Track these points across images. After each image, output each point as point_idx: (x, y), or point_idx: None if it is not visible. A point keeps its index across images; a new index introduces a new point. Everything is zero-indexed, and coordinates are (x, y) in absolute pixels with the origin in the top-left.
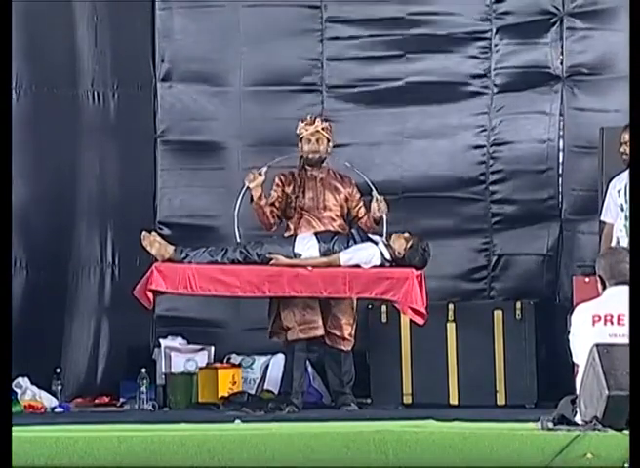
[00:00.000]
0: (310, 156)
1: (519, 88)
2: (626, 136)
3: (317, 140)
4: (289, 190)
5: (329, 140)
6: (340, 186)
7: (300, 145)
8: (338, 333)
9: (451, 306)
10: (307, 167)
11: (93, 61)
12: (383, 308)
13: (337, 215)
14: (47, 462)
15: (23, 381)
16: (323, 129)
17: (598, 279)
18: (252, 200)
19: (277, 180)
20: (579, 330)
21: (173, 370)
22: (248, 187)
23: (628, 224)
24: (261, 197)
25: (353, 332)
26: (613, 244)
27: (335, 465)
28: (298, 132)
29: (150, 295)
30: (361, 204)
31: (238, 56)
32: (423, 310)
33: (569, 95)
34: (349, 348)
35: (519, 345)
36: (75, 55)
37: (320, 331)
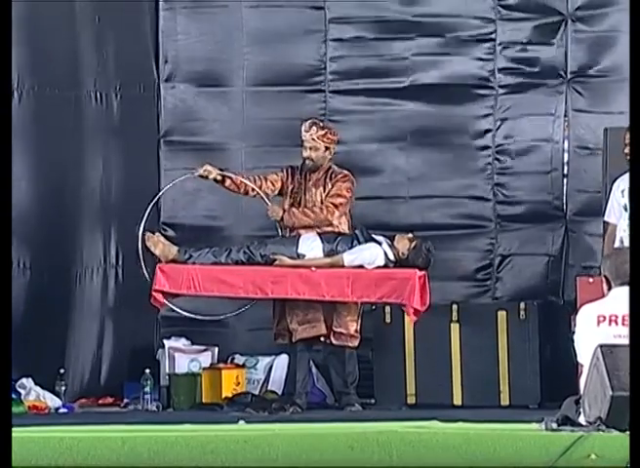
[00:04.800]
0: (306, 162)
1: (524, 89)
2: None
3: (310, 148)
4: (288, 188)
5: (327, 148)
6: (330, 183)
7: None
8: (344, 331)
9: (454, 307)
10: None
11: (95, 62)
12: (387, 309)
13: None
14: (50, 463)
15: (27, 382)
16: (318, 137)
17: (604, 279)
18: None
19: (284, 171)
20: (583, 330)
21: (176, 371)
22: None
23: None
24: (225, 180)
25: (359, 328)
26: (616, 244)
27: (338, 466)
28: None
29: (159, 296)
30: (336, 195)
31: (241, 56)
32: (422, 309)
33: (574, 96)
34: (356, 344)
35: (523, 346)
36: (78, 56)
37: (323, 330)
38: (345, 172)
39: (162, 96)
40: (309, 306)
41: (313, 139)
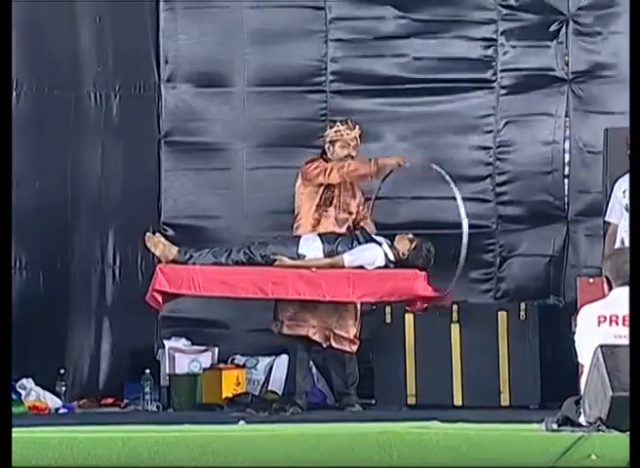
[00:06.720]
0: (344, 160)
1: (525, 90)
2: None
3: (353, 147)
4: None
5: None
6: (356, 189)
7: (330, 147)
8: (344, 334)
9: (455, 307)
10: None
11: (96, 62)
12: (387, 309)
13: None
14: (51, 463)
15: (28, 382)
16: (359, 136)
17: (604, 280)
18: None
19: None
20: (584, 330)
21: (177, 371)
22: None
23: None
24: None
25: (358, 334)
26: (617, 244)
27: (338, 466)
28: (333, 133)
29: (159, 297)
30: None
31: (242, 57)
32: (422, 309)
33: (574, 96)
34: (354, 349)
35: (523, 346)
36: (78, 56)
37: (305, 331)
38: None
39: (163, 96)
40: (300, 306)
41: (356, 138)
